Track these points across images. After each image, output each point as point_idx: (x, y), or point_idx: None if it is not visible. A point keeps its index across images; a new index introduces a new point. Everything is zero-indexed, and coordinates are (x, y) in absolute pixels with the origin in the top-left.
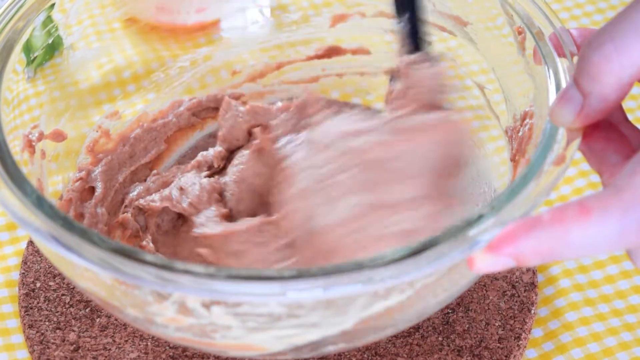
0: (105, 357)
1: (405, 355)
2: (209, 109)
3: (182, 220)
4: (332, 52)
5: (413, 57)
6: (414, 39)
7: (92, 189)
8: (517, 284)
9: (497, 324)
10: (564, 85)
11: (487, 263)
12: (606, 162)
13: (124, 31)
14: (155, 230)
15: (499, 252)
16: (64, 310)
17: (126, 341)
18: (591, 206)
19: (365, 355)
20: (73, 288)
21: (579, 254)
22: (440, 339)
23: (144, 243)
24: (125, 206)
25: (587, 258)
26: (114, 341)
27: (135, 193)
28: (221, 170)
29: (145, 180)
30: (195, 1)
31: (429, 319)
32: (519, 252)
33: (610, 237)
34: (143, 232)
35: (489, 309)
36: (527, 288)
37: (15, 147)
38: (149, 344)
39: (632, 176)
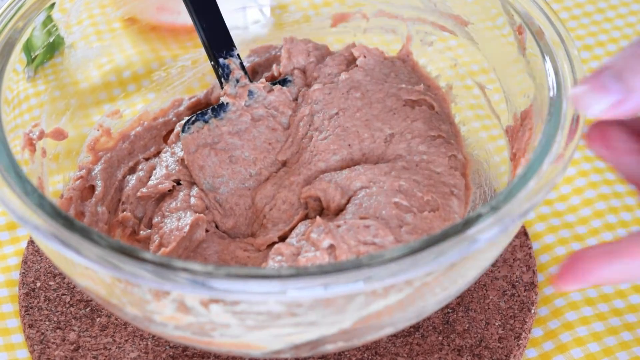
0: (106, 356)
1: (406, 355)
2: (208, 106)
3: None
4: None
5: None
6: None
7: (93, 188)
8: (517, 283)
9: (497, 324)
10: (564, 85)
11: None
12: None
13: (124, 31)
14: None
15: (580, 281)
16: (64, 309)
17: (126, 341)
18: None
19: (366, 355)
20: (73, 288)
21: None
22: (440, 338)
23: (142, 233)
24: (123, 202)
25: None
26: (114, 341)
27: (130, 186)
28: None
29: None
30: None
31: (429, 319)
32: (592, 280)
33: None
34: (142, 225)
35: (489, 308)
36: (527, 288)
37: (16, 146)
38: (149, 343)
39: None
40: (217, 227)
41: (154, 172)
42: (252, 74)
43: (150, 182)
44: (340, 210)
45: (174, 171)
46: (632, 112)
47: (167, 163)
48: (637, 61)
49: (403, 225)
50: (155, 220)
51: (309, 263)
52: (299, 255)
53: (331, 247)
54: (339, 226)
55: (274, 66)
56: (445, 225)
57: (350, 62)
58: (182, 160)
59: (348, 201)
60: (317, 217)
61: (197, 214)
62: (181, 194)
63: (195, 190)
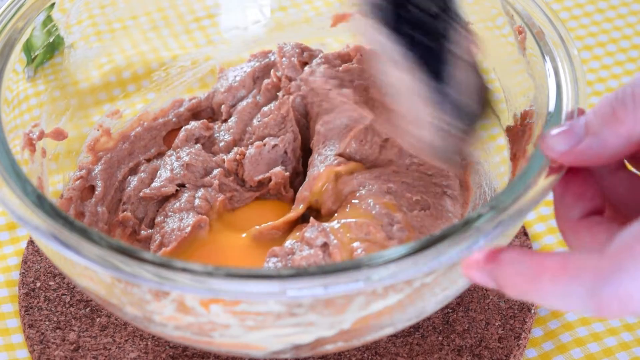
0: (105, 356)
1: (406, 355)
2: (209, 108)
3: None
4: None
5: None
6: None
7: (93, 188)
8: None
9: (497, 324)
10: (564, 85)
11: (472, 272)
12: (569, 220)
13: (124, 31)
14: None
15: (480, 267)
16: (64, 309)
17: (126, 341)
18: (570, 261)
19: (366, 355)
20: (73, 288)
21: (550, 302)
22: (440, 338)
23: (143, 233)
24: (124, 203)
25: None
26: (114, 341)
27: (131, 187)
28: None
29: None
30: None
31: (429, 319)
32: (497, 272)
33: (580, 296)
34: (143, 225)
35: (489, 308)
36: None
37: (16, 146)
38: (149, 343)
39: (621, 248)
40: None
41: (158, 174)
42: (253, 78)
43: (153, 184)
44: (332, 214)
45: (178, 175)
46: (589, 158)
47: (172, 167)
48: (603, 107)
49: (394, 223)
50: (158, 219)
51: (303, 261)
52: (294, 254)
53: (325, 245)
54: (331, 226)
55: (272, 71)
56: (437, 223)
57: (348, 62)
58: (187, 164)
59: (340, 206)
60: (311, 218)
61: (200, 215)
62: (185, 195)
63: (201, 192)
